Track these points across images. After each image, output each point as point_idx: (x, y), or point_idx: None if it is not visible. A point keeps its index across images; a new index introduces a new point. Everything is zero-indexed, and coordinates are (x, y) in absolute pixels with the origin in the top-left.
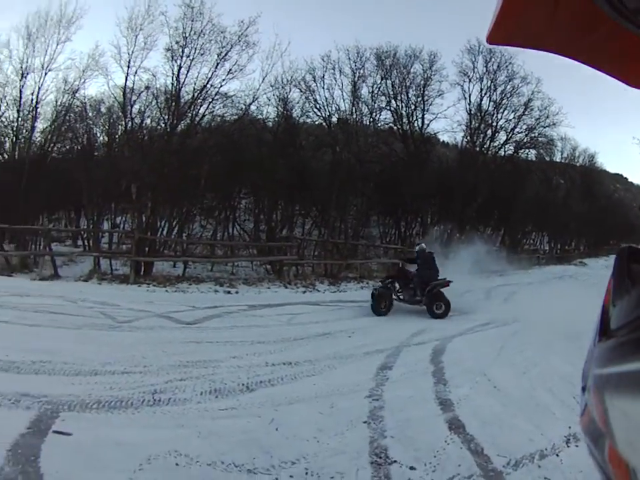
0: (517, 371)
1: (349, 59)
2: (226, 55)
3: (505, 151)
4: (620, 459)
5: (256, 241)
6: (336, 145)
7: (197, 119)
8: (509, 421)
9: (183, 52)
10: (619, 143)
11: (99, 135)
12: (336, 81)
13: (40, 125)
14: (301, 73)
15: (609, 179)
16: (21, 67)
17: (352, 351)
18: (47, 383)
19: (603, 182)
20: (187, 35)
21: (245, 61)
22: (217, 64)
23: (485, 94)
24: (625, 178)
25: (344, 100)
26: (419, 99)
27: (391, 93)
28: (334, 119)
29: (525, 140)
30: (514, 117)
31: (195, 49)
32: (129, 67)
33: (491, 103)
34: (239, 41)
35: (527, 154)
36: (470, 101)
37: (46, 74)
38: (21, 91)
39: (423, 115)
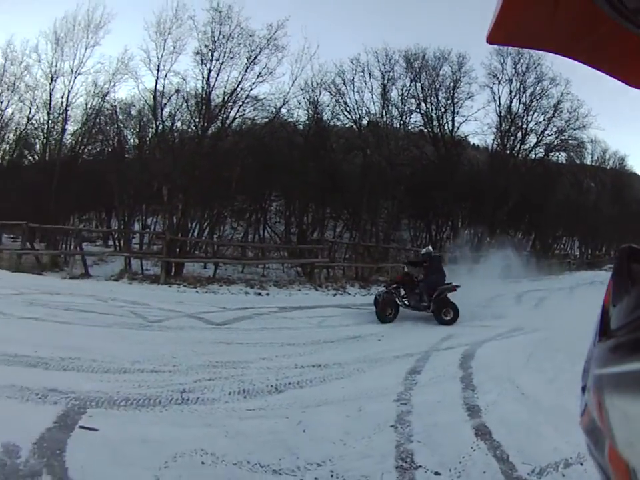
0: (546, 378)
1: (378, 61)
2: (255, 58)
3: (535, 154)
4: (620, 458)
5: (287, 244)
6: (367, 147)
7: (228, 122)
8: (536, 429)
9: (212, 56)
10: None
11: (129, 137)
12: (365, 83)
13: (70, 128)
14: (331, 76)
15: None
16: (50, 71)
17: (381, 354)
18: (75, 379)
19: (634, 185)
20: (216, 38)
21: (275, 64)
22: (247, 67)
23: (515, 96)
24: None
25: (374, 103)
26: (449, 102)
27: (421, 95)
28: (364, 122)
29: (555, 142)
30: (544, 119)
31: (224, 52)
32: (158, 70)
33: (521, 105)
34: (268, 44)
35: (557, 157)
36: (500, 103)
37: (75, 77)
38: (50, 94)
39: (453, 118)
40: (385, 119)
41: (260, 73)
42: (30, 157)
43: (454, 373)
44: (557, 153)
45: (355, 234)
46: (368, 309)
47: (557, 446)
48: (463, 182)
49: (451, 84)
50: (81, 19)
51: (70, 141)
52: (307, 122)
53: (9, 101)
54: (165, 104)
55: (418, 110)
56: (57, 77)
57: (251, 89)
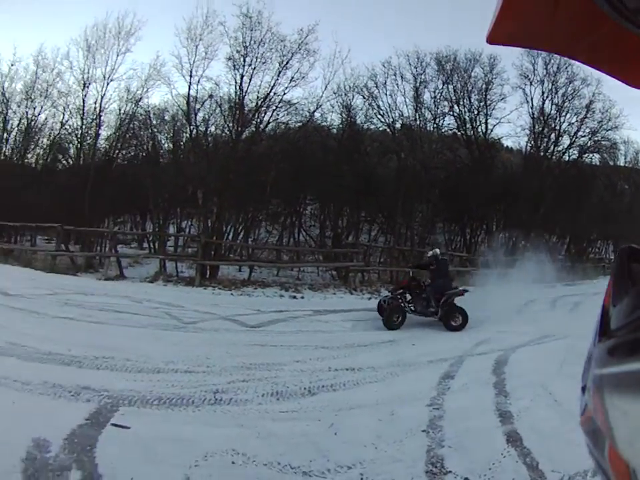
0: (579, 385)
1: (410, 64)
2: (287, 63)
3: (569, 156)
4: (620, 458)
5: (322, 247)
6: (401, 151)
7: (262, 126)
8: (567, 436)
9: (244, 61)
10: None
11: (163, 141)
12: (398, 86)
13: (104, 132)
14: (363, 80)
15: None
16: (83, 77)
17: (415, 358)
18: (108, 378)
19: None
20: (247, 44)
21: (307, 68)
22: (279, 72)
23: (547, 97)
24: None
25: (407, 106)
26: (482, 104)
27: (453, 97)
28: (398, 125)
29: (589, 144)
30: (576, 120)
31: (256, 57)
32: (191, 76)
33: (553, 106)
34: (299, 49)
35: (591, 158)
36: (532, 104)
37: (108, 84)
38: (83, 100)
39: (487, 120)
40: (418, 122)
41: (292, 78)
42: (64, 161)
43: (487, 379)
44: (591, 155)
45: (389, 238)
46: None
47: (587, 453)
48: (497, 185)
49: (483, 86)
50: (112, 27)
51: (104, 145)
52: (341, 126)
53: (42, 107)
54: (199, 109)
55: (451, 112)
56: (89, 83)
57: (284, 94)
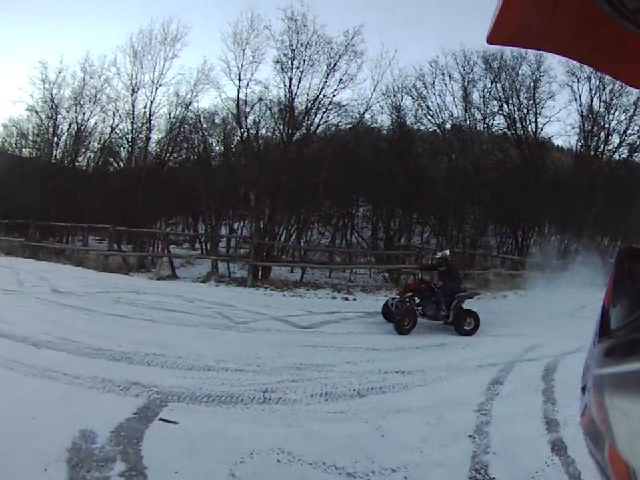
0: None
1: (457, 63)
2: (335, 65)
3: (619, 155)
4: (620, 459)
5: (374, 249)
6: (451, 152)
7: (312, 128)
8: None
9: (292, 64)
10: None
11: (214, 144)
12: (446, 86)
13: (155, 136)
14: (411, 80)
15: None
16: (131, 83)
17: (465, 363)
18: (158, 374)
19: None
20: (294, 47)
21: (355, 70)
22: (327, 74)
23: (595, 94)
24: None
25: (456, 106)
26: (530, 102)
27: (502, 97)
28: (448, 126)
29: (638, 142)
30: (625, 118)
31: (304, 60)
32: (239, 79)
33: (602, 104)
34: (346, 50)
35: None
36: (580, 102)
37: (157, 89)
38: (133, 105)
39: (536, 119)
40: (468, 122)
41: (341, 80)
42: (115, 164)
43: (536, 385)
44: None
45: (441, 240)
46: None
47: None
48: (548, 185)
49: (531, 84)
50: (157, 33)
51: (155, 148)
52: (391, 127)
53: (91, 112)
54: (249, 112)
55: (500, 112)
56: (138, 89)
57: (333, 96)
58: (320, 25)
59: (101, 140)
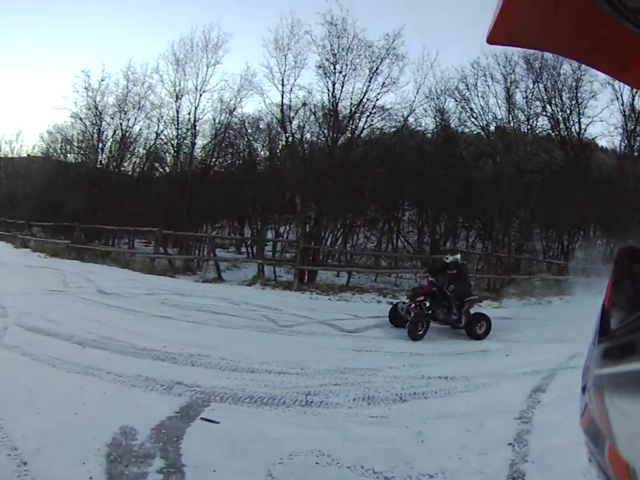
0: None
1: (498, 64)
2: (377, 69)
3: None
4: (620, 459)
5: (420, 253)
6: (496, 154)
7: (357, 132)
8: None
9: (334, 68)
10: None
11: (259, 149)
12: (489, 87)
13: (200, 142)
14: (454, 82)
15: None
16: (175, 90)
17: (508, 369)
18: (201, 374)
19: None
20: (336, 51)
21: (397, 73)
22: (370, 78)
23: (636, 92)
24: None
25: (499, 107)
26: (573, 102)
27: (545, 97)
28: (492, 128)
29: None
30: None
31: (346, 64)
32: (283, 85)
33: None
34: (388, 54)
35: None
36: (622, 101)
37: (200, 95)
38: (177, 111)
39: (579, 119)
40: (511, 124)
41: (384, 83)
42: (160, 169)
43: (578, 394)
44: None
45: (487, 244)
46: (498, 321)
47: None
48: (593, 188)
49: (573, 83)
50: (198, 40)
51: (200, 154)
52: (435, 130)
53: (135, 119)
54: (293, 117)
55: (544, 113)
56: (181, 95)
57: (377, 99)
58: (360, 28)
59: (146, 145)
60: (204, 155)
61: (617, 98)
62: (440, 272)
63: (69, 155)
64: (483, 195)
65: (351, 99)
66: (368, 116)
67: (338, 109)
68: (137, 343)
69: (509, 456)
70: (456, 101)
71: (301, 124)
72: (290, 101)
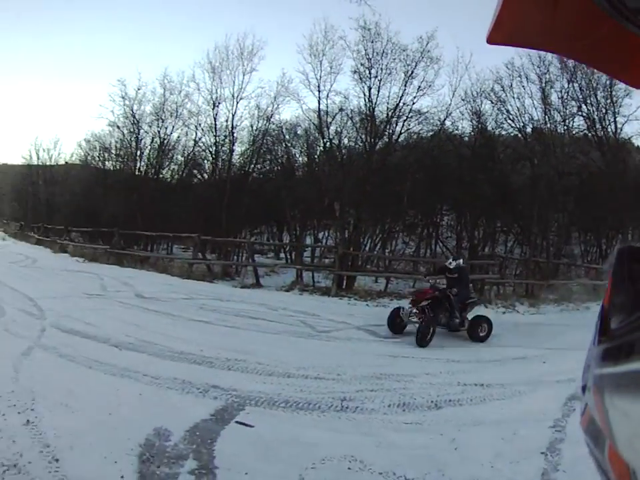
0: None
1: (532, 64)
2: (412, 72)
3: None
4: (620, 459)
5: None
6: (533, 157)
7: (394, 136)
8: None
9: (369, 73)
10: None
11: (297, 155)
12: (524, 88)
13: (238, 148)
14: (489, 84)
15: None
16: (211, 97)
17: (544, 377)
18: (238, 378)
19: None
20: (370, 56)
21: (432, 76)
22: (406, 82)
23: None
24: None
25: (535, 108)
26: (608, 101)
27: (580, 96)
28: (528, 130)
29: None
30: None
31: (381, 69)
32: (319, 91)
33: None
34: (422, 57)
35: None
36: None
37: (237, 102)
38: (215, 119)
39: (615, 118)
40: (548, 125)
41: (419, 87)
42: (199, 176)
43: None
44: None
45: (525, 249)
46: (534, 327)
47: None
48: (632, 189)
49: (607, 81)
50: (233, 48)
51: (239, 160)
52: (472, 133)
53: (173, 126)
54: (330, 122)
55: (579, 112)
56: (219, 103)
57: (413, 103)
58: (393, 32)
59: (184, 152)
60: (242, 161)
61: None
62: (438, 274)
63: (107, 162)
64: (521, 199)
65: (388, 103)
66: (405, 120)
67: (375, 113)
68: (174, 347)
69: (541, 465)
70: (492, 102)
71: (339, 129)
72: (327, 107)
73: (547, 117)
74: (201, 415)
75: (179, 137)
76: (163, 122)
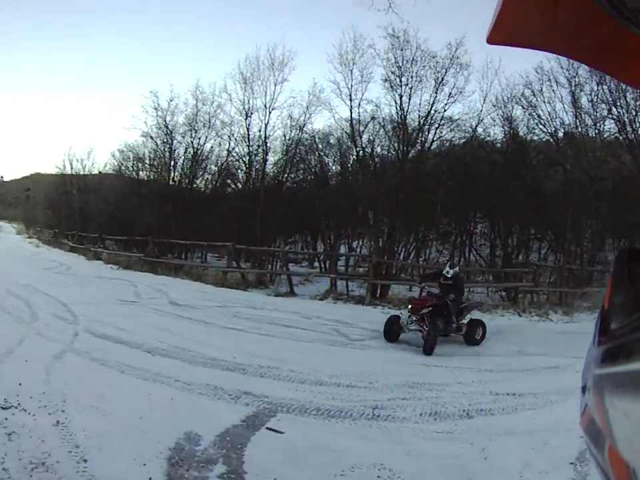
0: None
1: (561, 67)
2: (442, 79)
3: None
4: (620, 458)
5: (492, 267)
6: (566, 162)
7: (427, 144)
8: None
9: (400, 81)
10: None
11: (331, 164)
12: (554, 92)
13: (271, 158)
14: (519, 89)
15: None
16: (244, 108)
17: (576, 386)
18: (270, 386)
19: None
20: (400, 64)
21: (462, 83)
22: (436, 89)
23: None
24: None
25: (566, 112)
26: (638, 103)
27: (610, 99)
28: (560, 134)
29: None
30: None
31: (412, 76)
32: (350, 100)
33: None
34: (452, 63)
35: None
36: None
37: (270, 112)
38: (247, 129)
39: None
40: (579, 129)
41: (450, 94)
42: (233, 186)
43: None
44: None
45: (559, 256)
46: (568, 336)
47: None
48: None
49: None
50: (264, 59)
51: (272, 169)
52: (504, 139)
53: (206, 137)
54: (363, 131)
55: (610, 115)
56: (251, 113)
57: (444, 110)
58: (422, 39)
59: (217, 162)
60: (275, 170)
61: None
62: (433, 280)
63: (140, 172)
64: (554, 205)
65: (419, 110)
66: (437, 127)
67: (406, 121)
68: (207, 353)
69: (570, 475)
70: (523, 108)
71: (371, 138)
72: (359, 115)
73: (577, 120)
74: (232, 420)
75: (212, 147)
76: (195, 132)
